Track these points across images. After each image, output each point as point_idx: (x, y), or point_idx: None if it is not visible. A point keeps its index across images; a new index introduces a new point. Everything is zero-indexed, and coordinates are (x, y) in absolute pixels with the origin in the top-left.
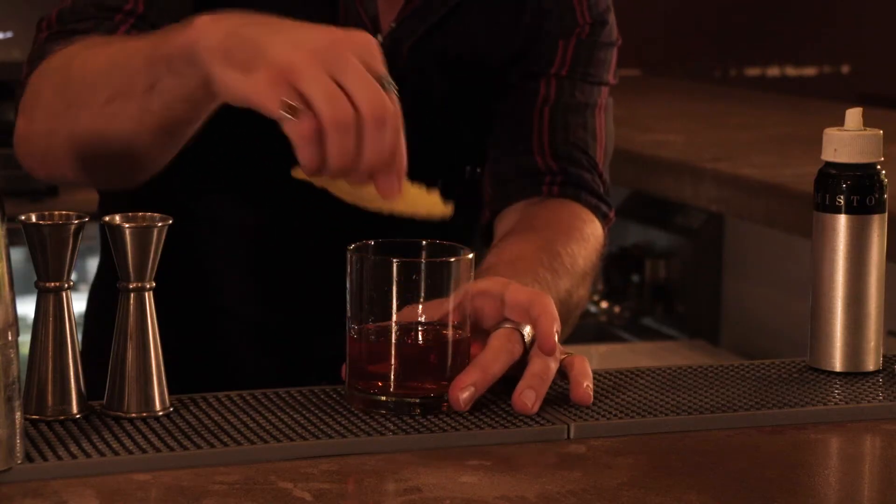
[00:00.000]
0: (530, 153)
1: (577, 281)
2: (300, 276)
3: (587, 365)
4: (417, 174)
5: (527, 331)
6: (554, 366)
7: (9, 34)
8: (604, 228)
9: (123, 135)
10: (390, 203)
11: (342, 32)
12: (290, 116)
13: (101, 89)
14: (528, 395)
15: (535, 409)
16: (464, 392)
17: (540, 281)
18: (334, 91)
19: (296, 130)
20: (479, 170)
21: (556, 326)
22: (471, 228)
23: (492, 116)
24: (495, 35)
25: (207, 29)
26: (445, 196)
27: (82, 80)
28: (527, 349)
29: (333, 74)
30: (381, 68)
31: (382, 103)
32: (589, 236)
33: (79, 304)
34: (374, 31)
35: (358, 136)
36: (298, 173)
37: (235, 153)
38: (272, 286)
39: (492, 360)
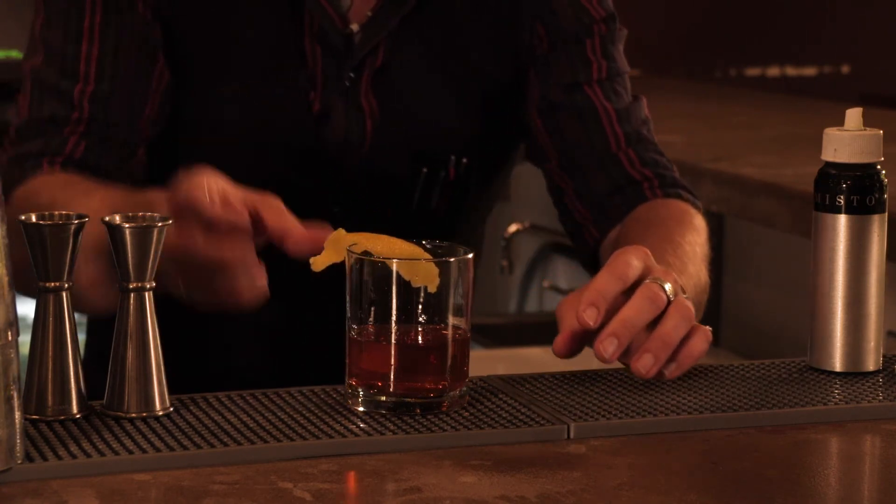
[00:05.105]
0: (621, 166)
1: (700, 266)
2: (300, 276)
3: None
4: (398, 162)
5: (668, 287)
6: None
7: None
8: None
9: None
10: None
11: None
12: None
13: None
14: (646, 359)
15: (652, 372)
16: (607, 343)
17: (670, 265)
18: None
19: None
20: (465, 160)
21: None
22: (472, 228)
23: (525, 132)
24: (487, 27)
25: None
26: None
27: None
28: (669, 301)
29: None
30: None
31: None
32: (699, 227)
33: None
34: (343, 23)
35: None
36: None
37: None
38: (272, 286)
39: (632, 309)
